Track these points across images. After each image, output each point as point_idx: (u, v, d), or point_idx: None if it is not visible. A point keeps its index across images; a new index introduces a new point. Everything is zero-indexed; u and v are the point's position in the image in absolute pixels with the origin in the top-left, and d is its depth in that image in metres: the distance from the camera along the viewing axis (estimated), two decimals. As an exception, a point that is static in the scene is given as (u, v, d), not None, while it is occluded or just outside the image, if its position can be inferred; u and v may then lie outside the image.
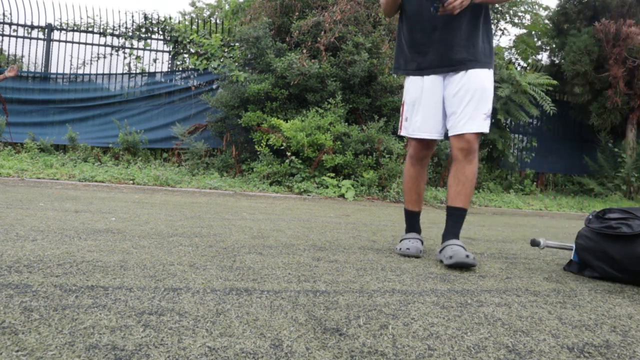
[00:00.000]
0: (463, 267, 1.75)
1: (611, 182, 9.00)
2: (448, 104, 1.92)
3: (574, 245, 1.91)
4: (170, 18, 8.64)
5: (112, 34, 8.47)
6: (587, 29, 8.87)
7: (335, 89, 6.89)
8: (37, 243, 1.69)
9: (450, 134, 1.93)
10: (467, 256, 1.72)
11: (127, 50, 8.56)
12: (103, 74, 8.15)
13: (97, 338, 0.86)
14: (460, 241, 1.91)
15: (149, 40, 8.62)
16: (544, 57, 10.93)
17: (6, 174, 5.39)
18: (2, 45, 8.26)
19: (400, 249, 2.01)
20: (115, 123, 7.73)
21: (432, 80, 1.93)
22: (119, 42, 8.52)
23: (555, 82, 8.15)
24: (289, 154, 6.34)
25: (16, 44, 8.24)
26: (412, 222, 2.16)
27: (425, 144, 2.03)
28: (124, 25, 8.48)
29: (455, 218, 1.96)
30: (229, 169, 7.33)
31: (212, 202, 4.20)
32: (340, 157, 6.32)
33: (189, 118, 8.07)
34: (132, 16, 8.50)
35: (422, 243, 2.07)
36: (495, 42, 10.52)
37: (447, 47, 1.86)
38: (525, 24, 10.14)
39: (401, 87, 6.95)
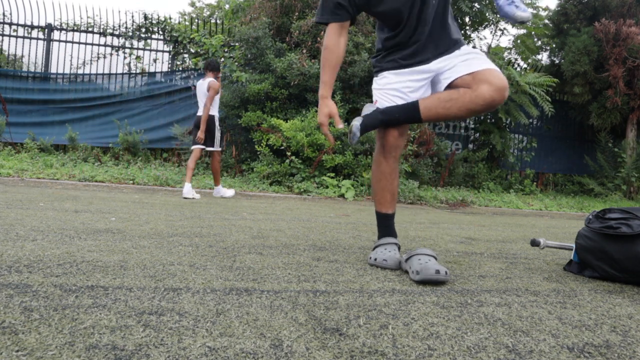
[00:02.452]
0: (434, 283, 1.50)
1: (611, 182, 9.00)
2: (448, 69, 1.73)
3: (574, 245, 1.91)
4: (170, 18, 8.64)
5: (112, 34, 8.47)
6: (587, 29, 8.87)
7: (335, 89, 6.89)
8: (37, 243, 1.69)
9: (460, 75, 1.68)
10: (438, 271, 1.47)
11: (127, 50, 8.56)
12: (103, 74, 8.15)
13: (97, 338, 0.86)
14: (429, 249, 1.68)
15: (149, 40, 8.62)
16: (543, 57, 10.93)
17: (6, 174, 5.39)
18: (2, 45, 8.26)
19: (375, 259, 1.72)
20: (115, 123, 7.73)
21: (425, 67, 1.78)
22: (119, 42, 8.52)
23: (555, 80, 8.14)
24: (289, 154, 6.35)
25: (16, 44, 8.24)
26: (387, 225, 1.87)
27: (403, 130, 1.81)
28: (124, 25, 8.49)
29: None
30: (229, 169, 7.34)
31: (212, 202, 4.20)
32: (340, 157, 6.32)
33: (189, 118, 8.07)
34: (132, 16, 8.50)
35: (400, 248, 1.83)
36: (495, 43, 10.52)
37: (441, 33, 1.76)
38: (525, 25, 10.13)
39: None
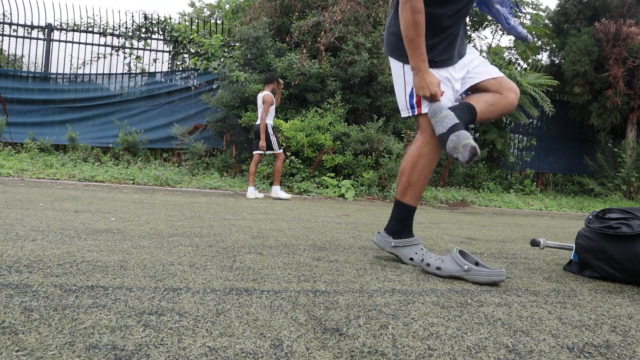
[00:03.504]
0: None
1: (611, 182, 9.00)
2: (472, 69, 1.81)
3: (574, 245, 1.91)
4: (170, 18, 8.64)
5: (112, 34, 8.47)
6: (587, 29, 8.87)
7: (335, 89, 6.89)
8: (37, 243, 1.69)
9: (487, 78, 1.77)
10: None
11: (127, 50, 8.56)
12: (103, 74, 8.15)
13: (97, 338, 0.86)
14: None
15: (149, 40, 8.62)
16: (544, 57, 10.94)
17: (6, 174, 5.39)
18: (2, 45, 8.26)
19: (440, 268, 1.64)
20: (115, 123, 7.73)
21: (465, 60, 1.81)
22: (119, 42, 8.53)
23: (555, 82, 8.14)
24: (289, 153, 6.35)
25: (16, 44, 8.24)
26: (411, 222, 1.84)
27: None
28: (124, 25, 8.49)
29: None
30: (229, 169, 7.34)
31: (212, 202, 4.20)
32: (340, 157, 6.32)
33: (189, 118, 8.08)
34: (132, 16, 8.50)
35: None
36: (495, 42, 10.52)
37: (464, 28, 1.82)
38: (526, 24, 10.14)
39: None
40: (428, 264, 1.64)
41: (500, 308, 1.27)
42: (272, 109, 5.26)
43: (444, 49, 1.70)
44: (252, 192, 5.11)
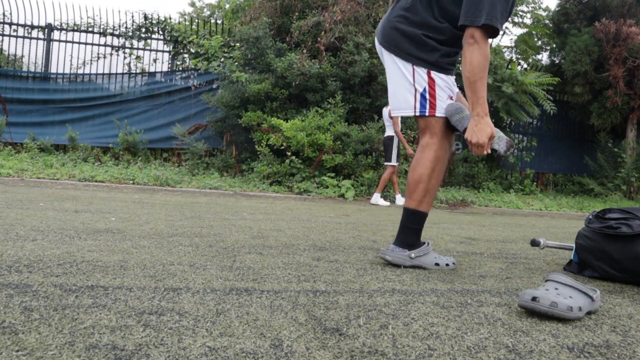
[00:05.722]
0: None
1: (611, 182, 9.00)
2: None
3: (574, 245, 1.91)
4: (170, 18, 8.64)
5: (112, 34, 8.48)
6: (588, 29, 8.88)
7: (336, 89, 6.89)
8: (37, 243, 1.69)
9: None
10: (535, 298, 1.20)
11: (127, 50, 8.56)
12: (103, 74, 8.15)
13: (97, 338, 0.86)
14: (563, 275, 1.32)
15: (149, 40, 8.62)
16: (544, 57, 10.94)
17: (6, 174, 5.39)
18: (2, 45, 8.26)
19: (454, 263, 1.79)
20: (115, 123, 7.73)
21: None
22: (119, 42, 8.53)
23: (556, 79, 8.14)
24: (289, 153, 6.35)
25: (16, 44, 8.24)
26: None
27: None
28: (124, 25, 8.49)
29: None
30: (229, 169, 7.34)
31: (212, 202, 4.20)
32: (340, 157, 6.32)
33: (189, 118, 8.07)
34: (132, 16, 8.50)
35: None
36: (496, 42, 10.53)
37: None
38: (527, 24, 10.14)
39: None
40: (447, 264, 1.78)
41: (500, 308, 1.27)
42: (399, 121, 5.53)
43: (451, 59, 1.74)
44: (376, 198, 5.48)
